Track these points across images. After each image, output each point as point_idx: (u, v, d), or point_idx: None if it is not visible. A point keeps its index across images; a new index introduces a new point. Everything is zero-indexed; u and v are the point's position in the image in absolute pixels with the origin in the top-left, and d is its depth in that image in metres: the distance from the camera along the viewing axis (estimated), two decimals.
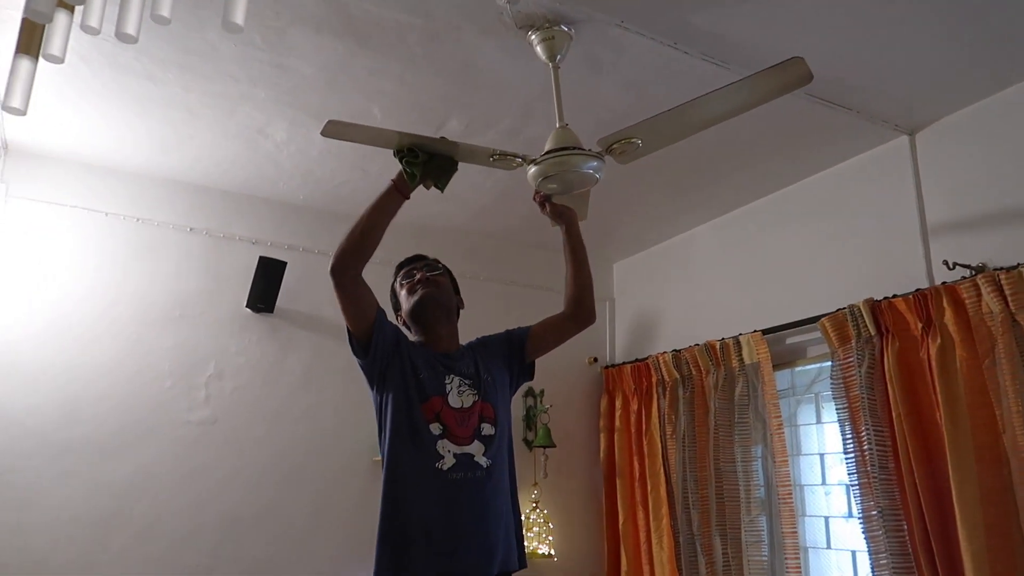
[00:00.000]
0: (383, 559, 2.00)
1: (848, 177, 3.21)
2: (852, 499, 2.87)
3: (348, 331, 2.13)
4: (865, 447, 2.76)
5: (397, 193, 2.10)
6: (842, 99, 2.73)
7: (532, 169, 2.13)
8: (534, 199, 2.35)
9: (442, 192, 2.24)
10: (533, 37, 2.30)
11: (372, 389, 2.17)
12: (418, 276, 2.30)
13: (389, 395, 2.11)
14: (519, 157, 2.16)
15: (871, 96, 2.72)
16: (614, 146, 2.13)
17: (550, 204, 2.33)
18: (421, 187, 2.16)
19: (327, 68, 2.59)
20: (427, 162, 2.11)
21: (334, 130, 2.05)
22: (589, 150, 2.11)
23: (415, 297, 2.26)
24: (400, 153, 2.11)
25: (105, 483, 3.12)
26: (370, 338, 2.10)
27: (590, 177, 2.13)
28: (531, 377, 2.44)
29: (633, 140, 2.11)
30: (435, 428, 2.07)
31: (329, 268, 2.05)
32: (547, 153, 2.10)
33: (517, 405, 4.07)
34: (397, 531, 2.01)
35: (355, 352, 2.13)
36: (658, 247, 4.32)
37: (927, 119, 2.88)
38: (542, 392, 4.13)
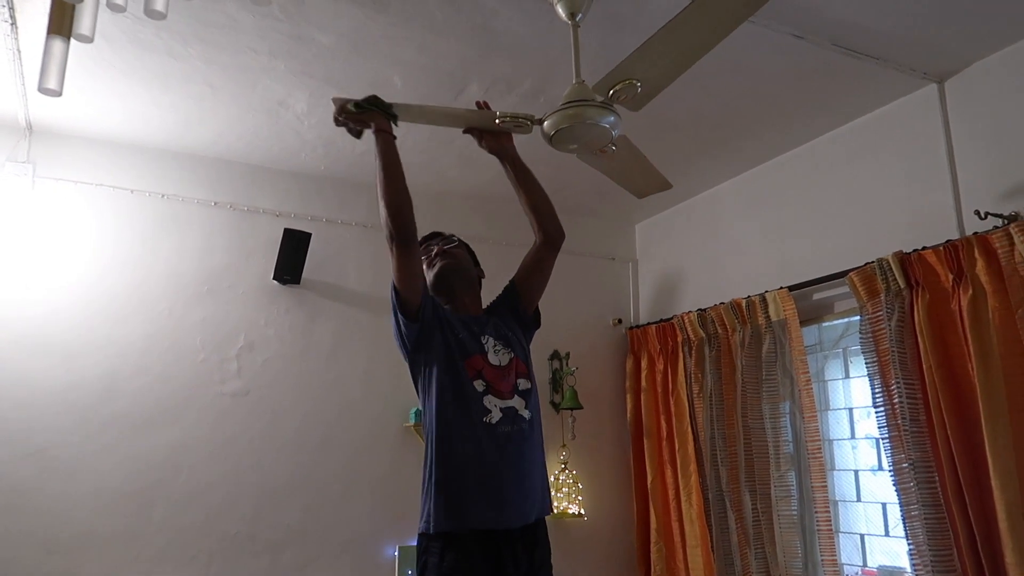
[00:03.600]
0: (437, 509, 2.04)
1: (875, 128, 3.16)
2: (882, 452, 2.88)
3: (396, 296, 2.12)
4: (895, 400, 2.76)
5: (390, 136, 2.14)
6: (867, 48, 2.67)
7: (546, 122, 2.09)
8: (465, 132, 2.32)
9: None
10: None
11: (412, 353, 2.17)
12: (435, 250, 2.34)
13: (433, 357, 2.14)
14: (523, 118, 2.13)
15: (897, 44, 2.66)
16: (616, 91, 2.02)
17: (484, 141, 2.30)
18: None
19: (346, 37, 2.58)
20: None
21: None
22: (603, 102, 2.06)
23: (435, 269, 2.31)
24: (370, 104, 2.13)
25: (144, 455, 3.20)
26: (420, 302, 2.13)
27: (605, 131, 2.09)
28: (538, 325, 2.44)
29: (632, 82, 1.99)
30: (479, 385, 2.12)
31: (389, 234, 2.05)
32: (561, 106, 2.07)
33: (543, 368, 4.11)
34: (450, 482, 2.06)
35: (406, 316, 2.12)
36: (681, 205, 4.29)
37: (956, 66, 2.82)
38: (568, 355, 4.16)
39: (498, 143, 2.29)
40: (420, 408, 2.24)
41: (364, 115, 2.13)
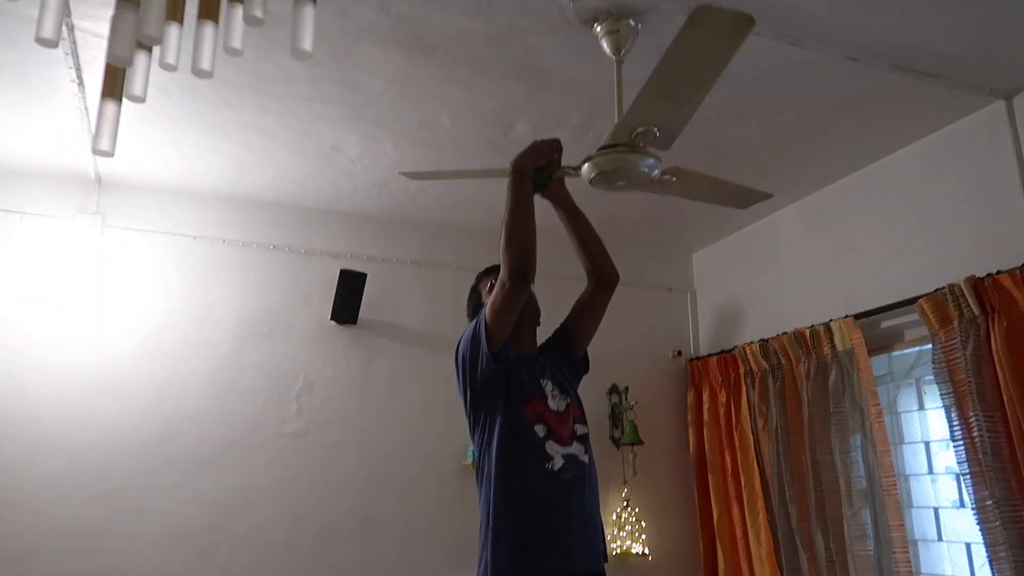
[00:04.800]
0: (499, 559, 1.99)
1: (940, 148, 3.03)
2: (964, 488, 2.72)
3: (488, 335, 2.09)
4: (975, 434, 2.61)
5: (527, 178, 2.11)
6: (926, 67, 2.57)
7: (585, 166, 2.08)
8: None
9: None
10: (598, 30, 2.27)
11: (479, 393, 2.13)
12: None
13: (499, 399, 2.10)
14: (572, 168, 2.15)
15: (958, 62, 2.55)
16: (637, 135, 2.00)
17: (537, 184, 2.27)
18: None
19: (395, 81, 2.62)
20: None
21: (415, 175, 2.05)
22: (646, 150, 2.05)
23: (531, 304, 2.28)
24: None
25: (207, 496, 3.25)
26: (504, 344, 2.11)
27: (644, 176, 2.08)
28: (587, 370, 2.41)
29: (649, 128, 1.97)
30: (540, 430, 2.08)
31: (514, 277, 2.01)
32: (601, 149, 2.06)
33: (602, 402, 4.04)
34: (514, 532, 2.01)
35: (489, 356, 2.08)
36: (739, 233, 4.20)
37: None
38: (627, 389, 4.08)
39: (549, 187, 2.27)
40: (475, 449, 2.21)
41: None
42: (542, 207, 2.17)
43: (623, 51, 2.25)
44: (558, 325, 2.41)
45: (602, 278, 2.33)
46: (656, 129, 1.94)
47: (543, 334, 2.40)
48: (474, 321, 2.18)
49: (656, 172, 2.09)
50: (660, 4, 2.19)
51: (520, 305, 2.09)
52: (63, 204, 3.30)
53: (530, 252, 2.03)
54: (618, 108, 2.20)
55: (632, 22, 2.22)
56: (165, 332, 3.36)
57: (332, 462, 3.50)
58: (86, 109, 2.74)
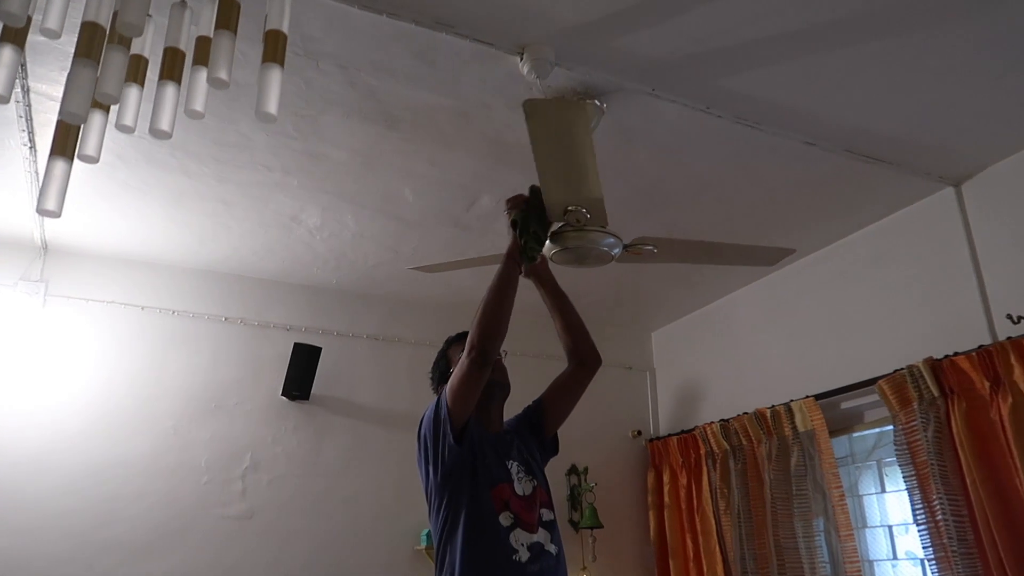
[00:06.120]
0: None
1: (894, 232, 3.11)
2: (928, 574, 2.67)
3: (449, 416, 2.00)
4: (939, 517, 2.58)
5: (517, 263, 2.04)
6: (880, 153, 2.66)
7: (547, 244, 2.08)
8: None
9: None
10: None
11: (439, 479, 2.02)
12: None
13: (464, 484, 1.99)
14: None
15: (910, 149, 2.65)
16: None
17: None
18: None
19: (359, 152, 2.60)
20: (536, 232, 2.02)
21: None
22: (612, 232, 2.09)
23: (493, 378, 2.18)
24: (524, 232, 2.01)
25: None
26: (466, 425, 2.02)
27: (605, 255, 2.09)
28: (556, 452, 2.34)
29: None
30: (505, 519, 1.97)
31: (477, 350, 1.94)
32: (560, 229, 2.06)
33: (561, 484, 3.93)
34: None
35: (452, 437, 1.99)
36: (697, 313, 4.22)
37: (972, 169, 2.80)
38: (586, 470, 3.99)
39: (534, 269, 2.24)
40: (432, 533, 2.08)
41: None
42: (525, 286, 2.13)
43: (591, 129, 2.26)
44: (530, 402, 2.33)
45: (584, 359, 2.29)
46: (583, 209, 1.96)
47: (514, 409, 2.33)
48: (435, 401, 2.09)
49: (616, 251, 2.10)
50: (624, 85, 2.24)
51: (481, 385, 2.00)
52: (4, 271, 3.16)
53: (496, 335, 1.97)
54: None
55: (597, 102, 2.26)
56: (107, 406, 3.18)
57: (278, 546, 3.30)
58: (36, 173, 2.66)
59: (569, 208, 1.96)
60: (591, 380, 2.32)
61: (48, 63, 2.12)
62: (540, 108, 1.71)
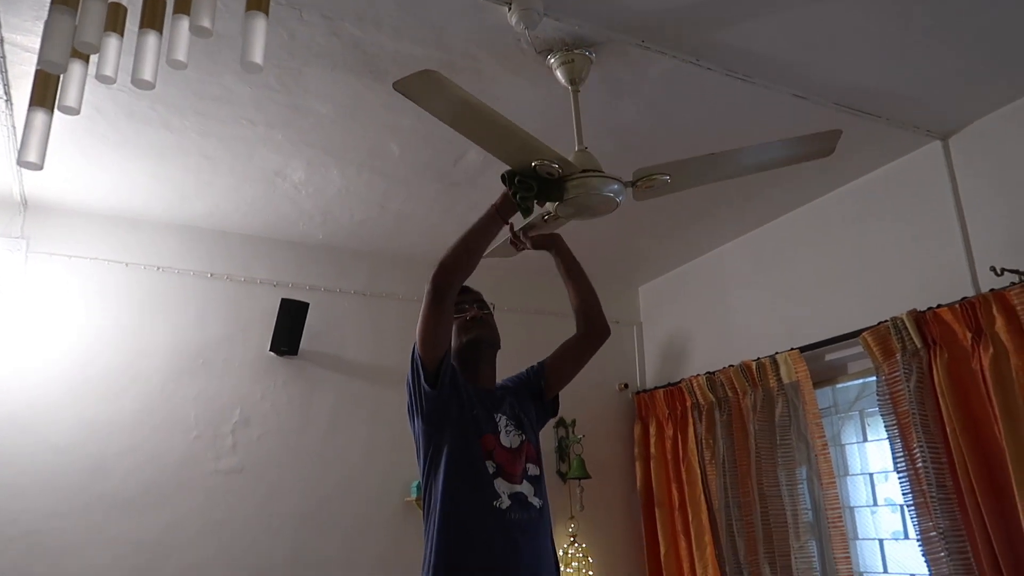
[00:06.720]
0: None
1: (881, 186, 3.12)
2: (908, 520, 2.74)
3: (419, 360, 2.01)
4: (919, 465, 2.64)
5: (499, 218, 2.02)
6: (869, 107, 2.65)
7: (551, 203, 2.07)
8: (510, 242, 2.30)
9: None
10: (552, 61, 2.26)
11: (424, 423, 2.04)
12: (471, 314, 2.22)
13: (447, 431, 2.02)
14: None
15: (899, 103, 2.64)
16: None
17: (531, 237, 2.28)
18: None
19: (344, 106, 2.56)
20: (523, 181, 1.99)
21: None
22: (614, 176, 2.06)
23: (469, 336, 2.20)
24: (513, 182, 1.99)
25: (134, 538, 3.06)
26: (440, 366, 2.01)
27: (609, 201, 2.07)
28: (555, 414, 2.37)
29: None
30: (490, 466, 2.01)
31: (432, 284, 1.95)
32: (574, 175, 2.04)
33: (549, 436, 3.98)
34: (451, 571, 1.92)
35: (426, 381, 2.00)
36: (685, 267, 4.23)
37: (959, 124, 2.79)
38: (574, 422, 4.04)
39: (544, 239, 2.28)
40: (421, 483, 2.12)
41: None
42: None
43: (579, 81, 2.24)
44: (534, 363, 2.35)
45: (593, 329, 2.32)
46: (547, 162, 1.96)
47: (514, 367, 2.35)
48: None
49: (620, 198, 2.09)
50: (614, 37, 2.20)
51: (442, 323, 1.99)
52: None
53: (454, 272, 1.97)
54: (578, 139, 2.19)
55: (587, 53, 2.22)
56: (93, 364, 3.17)
57: (268, 500, 3.34)
58: (13, 127, 2.60)
59: (534, 164, 1.95)
60: (597, 350, 2.34)
61: (22, 12, 2.05)
62: (411, 85, 1.70)
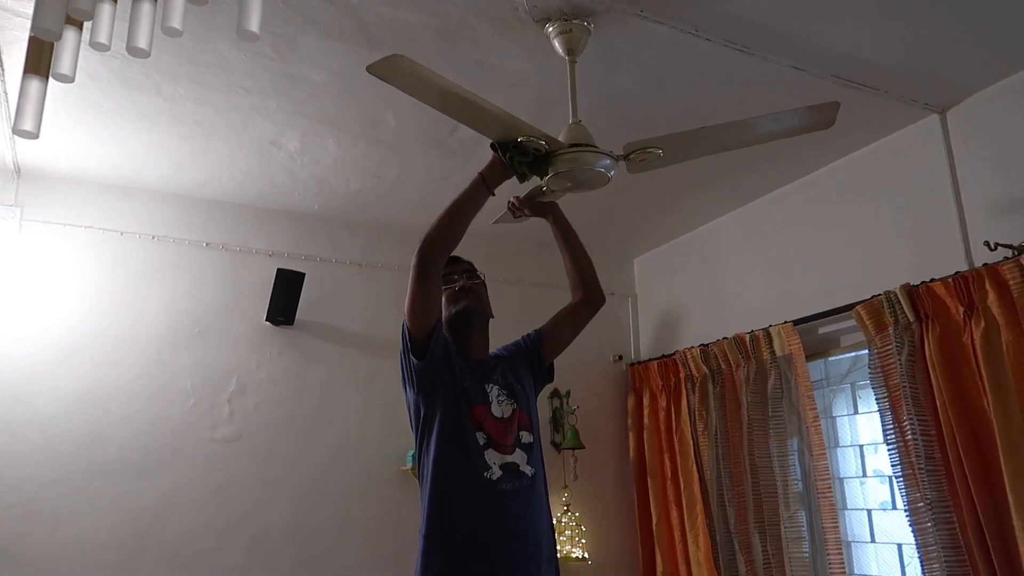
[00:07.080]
0: (429, 567, 1.95)
1: (877, 160, 3.11)
2: (896, 491, 2.79)
3: (407, 332, 2.03)
4: (908, 437, 2.68)
5: (485, 188, 2.03)
6: (867, 79, 2.64)
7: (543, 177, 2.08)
8: (509, 209, 2.33)
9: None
10: (550, 30, 2.24)
11: (415, 395, 2.07)
12: (459, 284, 2.22)
13: (438, 402, 2.04)
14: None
15: (897, 75, 2.63)
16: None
17: (528, 205, 2.30)
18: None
19: (339, 75, 2.54)
20: (516, 146, 2.00)
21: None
22: (606, 151, 2.06)
23: (458, 306, 2.20)
24: (506, 148, 1.99)
25: (132, 505, 3.09)
26: (430, 338, 2.03)
27: (601, 176, 2.08)
28: (551, 379, 2.41)
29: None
30: (480, 437, 2.03)
31: (416, 259, 1.97)
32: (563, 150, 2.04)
33: (543, 407, 4.01)
34: (447, 541, 1.96)
35: (413, 352, 2.02)
36: (680, 240, 4.24)
37: (957, 96, 2.78)
38: (568, 393, 4.07)
39: (542, 206, 2.31)
40: (415, 452, 2.14)
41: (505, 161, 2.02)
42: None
43: (576, 51, 2.23)
44: (531, 330, 2.37)
45: (589, 297, 2.36)
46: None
47: (508, 337, 2.36)
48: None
49: (612, 173, 2.09)
50: (613, 6, 2.18)
51: (429, 296, 2.01)
52: None
53: (438, 246, 1.99)
54: (572, 111, 2.18)
55: (585, 23, 2.21)
56: (89, 333, 3.18)
57: (265, 467, 3.37)
58: (5, 94, 2.58)
59: (519, 140, 1.97)
60: (593, 317, 2.39)
61: None
62: (382, 69, 1.74)
